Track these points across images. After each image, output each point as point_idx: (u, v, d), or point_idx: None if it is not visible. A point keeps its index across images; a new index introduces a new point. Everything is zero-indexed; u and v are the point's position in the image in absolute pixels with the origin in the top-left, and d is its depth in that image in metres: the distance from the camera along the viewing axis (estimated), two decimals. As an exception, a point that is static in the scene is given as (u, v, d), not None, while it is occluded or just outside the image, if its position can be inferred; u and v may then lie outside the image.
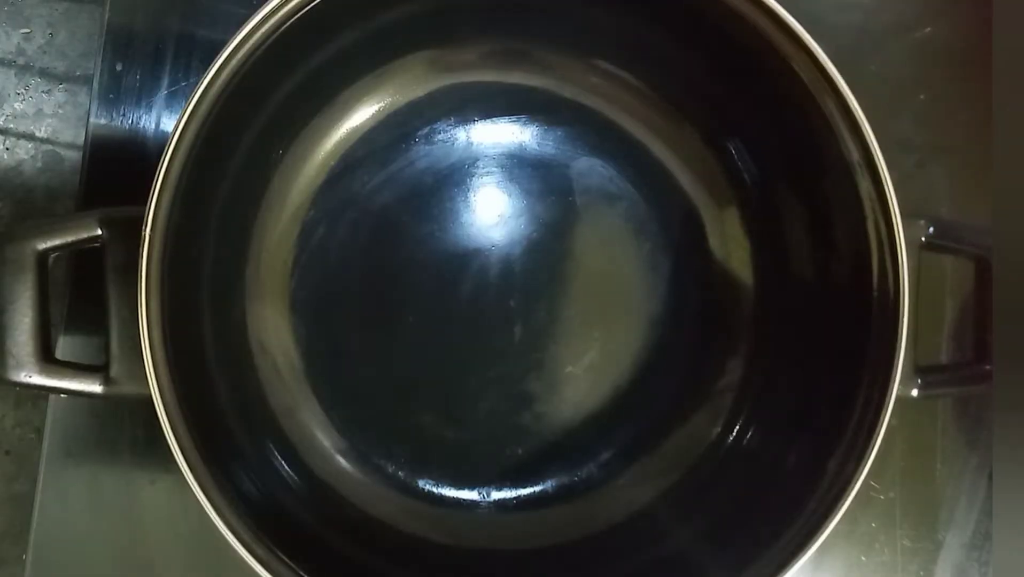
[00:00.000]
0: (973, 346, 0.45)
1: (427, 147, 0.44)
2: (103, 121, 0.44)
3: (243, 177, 0.40)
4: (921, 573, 0.46)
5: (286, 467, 0.40)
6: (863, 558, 0.46)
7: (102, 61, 0.44)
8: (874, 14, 0.48)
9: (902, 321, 0.36)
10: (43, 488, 0.42)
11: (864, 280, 0.37)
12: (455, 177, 0.44)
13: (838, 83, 0.36)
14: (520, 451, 0.43)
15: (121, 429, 0.43)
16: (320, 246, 0.43)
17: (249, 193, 0.41)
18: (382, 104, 0.43)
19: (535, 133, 0.44)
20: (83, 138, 0.44)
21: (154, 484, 0.42)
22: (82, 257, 0.41)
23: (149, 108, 0.44)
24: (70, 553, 0.42)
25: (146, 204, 0.33)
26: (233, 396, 0.39)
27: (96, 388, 0.35)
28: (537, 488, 0.43)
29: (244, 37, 0.34)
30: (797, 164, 0.41)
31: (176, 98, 0.44)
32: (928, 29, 0.48)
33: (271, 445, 0.40)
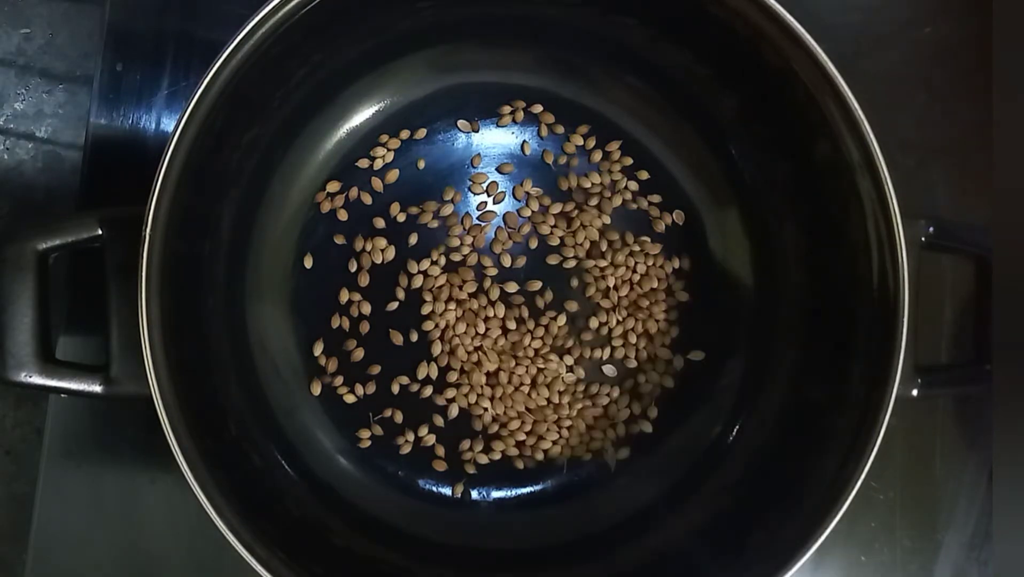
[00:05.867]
0: (973, 346, 0.45)
1: (427, 147, 0.44)
2: (103, 121, 0.44)
3: (243, 177, 0.40)
4: (921, 573, 0.46)
5: (286, 466, 0.40)
6: (863, 558, 0.46)
7: (102, 61, 0.44)
8: (874, 14, 0.48)
9: (902, 321, 0.36)
10: (43, 488, 0.42)
11: (864, 280, 0.37)
12: (455, 177, 0.44)
13: (838, 83, 0.36)
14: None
15: (121, 429, 0.43)
16: (320, 246, 0.43)
17: (249, 193, 0.41)
18: (382, 104, 0.43)
19: (535, 133, 0.44)
20: (83, 138, 0.44)
21: (154, 484, 0.42)
22: (82, 257, 0.41)
23: (149, 108, 0.44)
24: (70, 553, 0.42)
25: (146, 204, 0.33)
26: (233, 396, 0.39)
27: (96, 388, 0.35)
28: (537, 488, 0.43)
29: (244, 37, 0.34)
30: (797, 164, 0.41)
31: (176, 98, 0.44)
32: (928, 29, 0.48)
33: (271, 445, 0.40)
